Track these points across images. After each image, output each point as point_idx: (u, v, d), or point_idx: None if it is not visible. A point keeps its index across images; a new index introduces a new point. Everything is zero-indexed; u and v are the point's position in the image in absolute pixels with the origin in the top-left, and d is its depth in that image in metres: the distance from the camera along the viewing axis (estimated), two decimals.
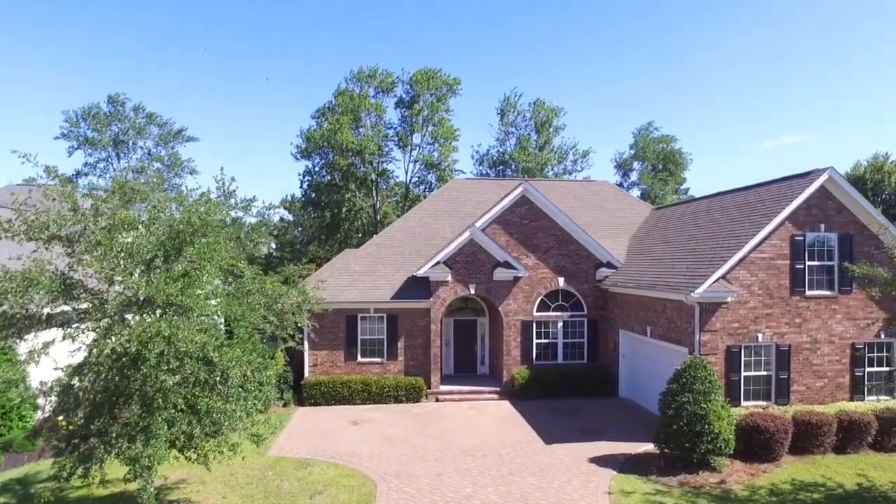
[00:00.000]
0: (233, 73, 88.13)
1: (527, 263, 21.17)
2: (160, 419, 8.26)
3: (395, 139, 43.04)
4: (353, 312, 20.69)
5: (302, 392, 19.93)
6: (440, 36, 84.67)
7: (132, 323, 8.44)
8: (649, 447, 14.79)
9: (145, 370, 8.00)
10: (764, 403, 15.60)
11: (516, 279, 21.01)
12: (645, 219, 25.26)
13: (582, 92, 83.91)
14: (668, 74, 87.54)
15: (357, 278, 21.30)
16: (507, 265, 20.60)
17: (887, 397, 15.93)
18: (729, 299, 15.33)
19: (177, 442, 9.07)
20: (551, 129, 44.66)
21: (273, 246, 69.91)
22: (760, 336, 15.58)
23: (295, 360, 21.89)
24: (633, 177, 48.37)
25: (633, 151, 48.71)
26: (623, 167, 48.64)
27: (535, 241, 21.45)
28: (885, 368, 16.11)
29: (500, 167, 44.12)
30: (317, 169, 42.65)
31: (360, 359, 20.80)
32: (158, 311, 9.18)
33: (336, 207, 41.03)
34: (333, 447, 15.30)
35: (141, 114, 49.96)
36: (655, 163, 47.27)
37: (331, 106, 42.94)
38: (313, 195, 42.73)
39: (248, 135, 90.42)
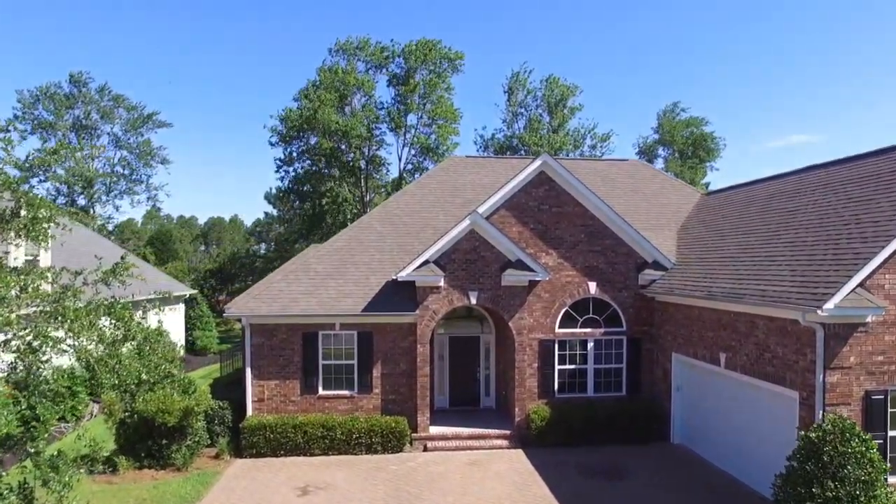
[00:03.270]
0: (222, 62, 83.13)
1: (546, 263, 15.77)
2: None
3: (388, 120, 37.50)
4: (312, 329, 15.32)
5: (241, 438, 14.57)
6: (440, 7, 79.07)
7: None
8: None
9: None
10: None
11: (533, 284, 15.61)
12: (695, 206, 19.80)
13: (597, 71, 78.38)
14: (674, 68, 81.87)
15: (319, 283, 15.92)
16: (521, 265, 15.19)
17: None
18: (870, 319, 9.90)
19: None
20: (566, 110, 39.02)
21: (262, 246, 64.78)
22: None
23: (242, 388, 16.57)
24: (659, 164, 42.69)
25: (657, 136, 43.00)
26: (647, 153, 42.94)
27: (558, 234, 16.03)
28: None
29: (508, 153, 38.55)
30: (296, 154, 37.18)
31: (321, 391, 15.44)
32: None
33: (318, 198, 35.58)
34: None
35: (107, 95, 44.85)
36: (684, 148, 41.53)
37: (314, 83, 37.45)
38: (292, 185, 37.30)
39: (240, 125, 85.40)
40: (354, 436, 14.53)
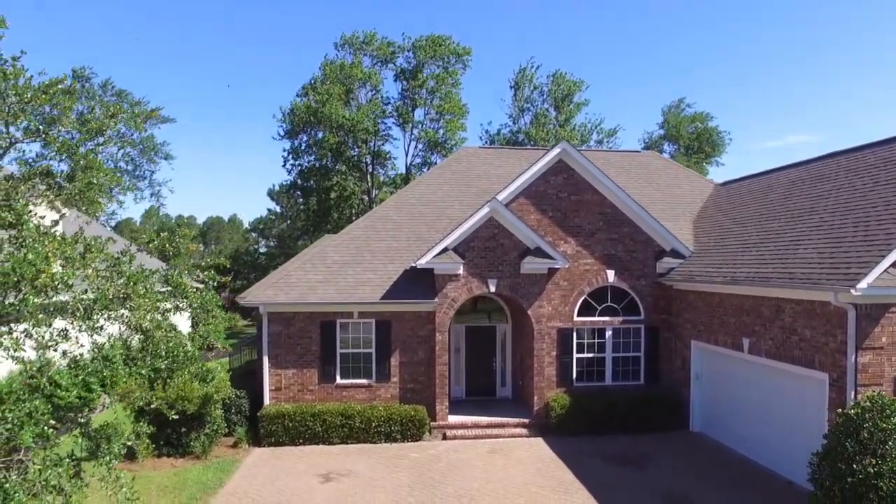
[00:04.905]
0: (226, 63, 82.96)
1: (565, 251, 15.71)
2: None
3: (395, 115, 37.41)
4: (329, 317, 15.24)
5: (259, 427, 14.46)
6: (441, 4, 79.04)
7: None
8: None
9: None
10: None
11: (551, 272, 15.54)
12: (709, 196, 19.77)
13: (601, 67, 78.44)
14: (674, 68, 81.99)
15: (336, 271, 15.84)
16: (540, 253, 15.12)
17: None
18: None
19: None
20: (572, 106, 38.98)
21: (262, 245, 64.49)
22: None
23: (257, 379, 16.50)
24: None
25: (662, 131, 42.99)
26: (652, 148, 42.86)
27: (577, 222, 15.98)
28: None
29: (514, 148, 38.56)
30: (303, 148, 37.07)
31: (339, 380, 15.36)
32: None
33: (324, 192, 35.46)
34: None
35: (110, 91, 44.59)
36: (690, 143, 41.51)
37: (318, 78, 37.30)
38: (298, 180, 37.18)
39: (240, 124, 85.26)
40: (373, 424, 14.45)
